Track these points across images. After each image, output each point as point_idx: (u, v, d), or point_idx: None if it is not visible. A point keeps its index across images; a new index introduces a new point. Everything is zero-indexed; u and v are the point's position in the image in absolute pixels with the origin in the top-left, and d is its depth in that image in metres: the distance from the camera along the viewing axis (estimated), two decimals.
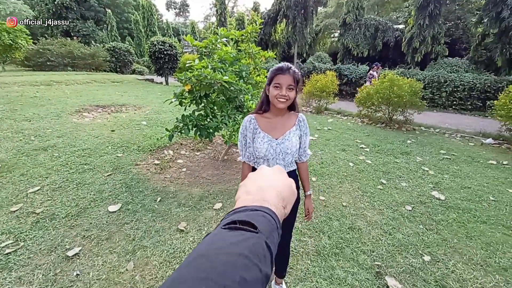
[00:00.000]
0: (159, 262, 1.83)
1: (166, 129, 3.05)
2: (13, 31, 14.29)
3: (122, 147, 3.83)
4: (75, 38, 22.74)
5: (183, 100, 3.15)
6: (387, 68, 10.95)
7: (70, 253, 1.84)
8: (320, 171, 3.55)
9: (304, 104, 8.53)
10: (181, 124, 3.02)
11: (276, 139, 1.28)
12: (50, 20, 25.65)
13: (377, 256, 2.02)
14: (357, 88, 6.99)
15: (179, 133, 3.10)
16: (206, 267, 0.25)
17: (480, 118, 8.14)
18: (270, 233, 0.32)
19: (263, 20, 16.72)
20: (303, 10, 15.09)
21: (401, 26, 16.23)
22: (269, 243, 0.31)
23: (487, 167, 4.00)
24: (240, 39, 3.40)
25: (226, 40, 3.47)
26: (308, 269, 1.86)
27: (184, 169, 3.40)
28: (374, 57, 15.86)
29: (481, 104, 8.77)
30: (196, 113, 3.16)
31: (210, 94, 3.11)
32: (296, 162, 1.41)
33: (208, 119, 3.18)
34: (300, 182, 1.46)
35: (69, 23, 27.47)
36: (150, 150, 3.82)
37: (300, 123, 1.34)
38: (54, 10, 27.22)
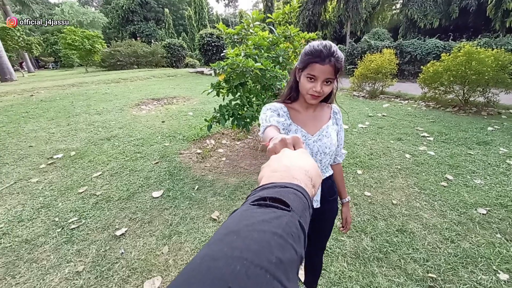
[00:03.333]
0: (191, 248, 1.90)
1: (205, 119, 3.13)
2: (92, 37, 16.71)
3: (169, 137, 4.12)
4: (138, 38, 25.44)
5: (221, 90, 3.17)
6: (464, 40, 9.04)
7: (118, 233, 2.06)
8: (368, 163, 3.17)
9: (356, 88, 7.75)
10: (218, 114, 3.05)
11: (312, 135, 1.02)
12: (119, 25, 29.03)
13: (432, 267, 1.69)
14: (422, 67, 5.95)
15: (217, 124, 3.15)
16: (238, 244, 0.23)
17: None
18: (302, 212, 0.30)
19: None
20: None
21: None
22: (302, 223, 0.29)
23: None
24: (277, 22, 3.19)
25: (271, 25, 3.32)
26: (343, 272, 1.68)
27: (224, 158, 3.46)
28: (447, 27, 13.31)
29: None
30: (233, 103, 3.14)
31: (246, 83, 3.04)
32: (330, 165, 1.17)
33: (245, 108, 3.14)
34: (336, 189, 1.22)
35: (134, 25, 30.82)
36: (194, 139, 4.01)
37: (336, 116, 1.10)
38: (123, 15, 30.83)
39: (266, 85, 2.87)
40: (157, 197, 2.54)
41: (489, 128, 4.17)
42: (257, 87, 3.03)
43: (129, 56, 16.53)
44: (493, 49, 5.31)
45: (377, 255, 1.81)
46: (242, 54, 2.65)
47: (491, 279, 1.60)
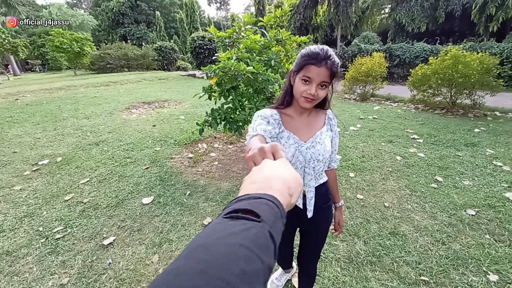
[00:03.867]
0: None
1: (197, 123, 3.09)
2: (80, 40, 16.41)
3: (160, 141, 4.05)
4: (129, 41, 25.13)
5: (213, 94, 3.14)
6: (450, 44, 9.29)
7: (106, 242, 1.99)
8: (360, 165, 3.19)
9: (347, 91, 7.85)
10: (210, 118, 3.01)
11: (305, 142, 0.99)
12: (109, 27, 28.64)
13: (424, 270, 1.70)
14: (410, 70, 6.08)
15: (209, 127, 3.11)
16: (204, 258, 0.24)
17: None
18: (273, 222, 0.31)
19: (295, 1, 15.75)
20: None
21: None
22: (272, 233, 0.30)
23: None
24: (269, 25, 3.19)
25: (263, 28, 3.31)
26: (337, 277, 1.67)
27: (216, 163, 3.42)
28: (434, 31, 13.70)
29: None
30: (225, 106, 3.11)
31: (238, 86, 3.02)
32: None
33: (238, 112, 3.11)
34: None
35: (125, 27, 30.47)
36: (185, 143, 3.95)
37: (330, 122, 1.06)
38: (113, 17, 30.46)
39: (258, 89, 2.86)
40: (147, 204, 2.48)
41: (476, 130, 4.28)
42: (249, 90, 3.01)
43: (119, 59, 16.31)
44: (478, 52, 5.47)
45: (370, 259, 1.80)
46: (234, 57, 2.64)
47: (482, 281, 1.61)
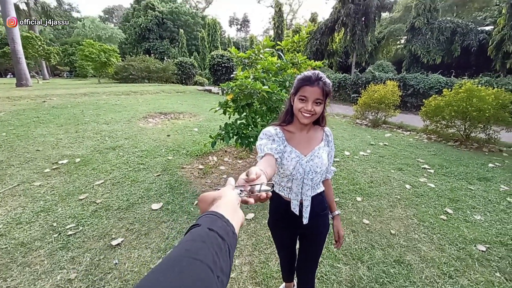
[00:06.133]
0: None
1: (210, 136, 3.21)
2: (108, 51, 17.52)
3: (173, 150, 4.19)
4: (152, 54, 26.55)
5: (228, 109, 3.29)
6: (466, 77, 9.32)
7: (114, 242, 2.05)
8: (368, 191, 3.18)
9: (359, 116, 7.91)
10: (223, 132, 3.14)
11: (305, 155, 1.11)
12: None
13: None
14: (424, 100, 6.12)
15: (221, 141, 3.23)
16: (156, 270, 0.31)
17: None
18: (211, 223, 0.42)
19: (312, 29, 16.39)
20: (364, 17, 14.25)
21: (487, 28, 13.74)
22: (212, 228, 0.40)
23: None
24: (286, 49, 3.38)
25: (280, 50, 3.51)
26: None
27: (225, 176, 3.49)
28: (449, 64, 13.79)
29: None
30: (238, 122, 3.24)
31: (253, 104, 3.16)
32: None
33: (250, 128, 3.23)
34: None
35: (149, 42, 32.31)
36: (197, 155, 4.08)
37: (327, 138, 1.19)
38: (140, 32, 32.49)
39: (272, 107, 2.99)
40: (156, 210, 2.55)
41: (490, 165, 4.19)
42: (263, 108, 3.14)
43: (142, 70, 17.19)
44: (493, 88, 5.48)
45: (373, 285, 1.77)
46: (251, 76, 2.80)
47: None
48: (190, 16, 37.43)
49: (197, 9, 48.75)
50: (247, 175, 0.61)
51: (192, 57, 29.10)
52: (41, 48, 19.97)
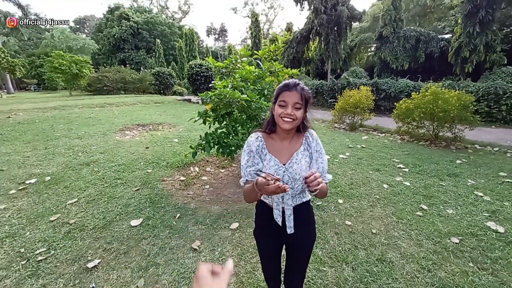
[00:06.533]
0: (169, 281, 1.80)
1: (191, 146, 3.16)
2: (80, 62, 16.84)
3: (152, 163, 4.06)
4: (128, 65, 25.85)
5: (207, 119, 3.27)
6: (431, 81, 10.03)
7: (90, 265, 1.92)
8: (349, 192, 3.27)
9: (337, 120, 8.19)
10: (204, 142, 3.10)
11: (284, 164, 1.10)
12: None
13: None
14: (395, 103, 6.49)
15: (202, 151, 3.18)
16: None
17: None
18: None
19: (288, 38, 16.98)
20: (336, 27, 14.97)
21: (447, 36, 14.98)
22: None
23: None
24: (264, 58, 3.45)
25: (259, 59, 3.57)
26: None
27: (207, 186, 3.43)
28: (416, 69, 14.79)
29: None
30: (219, 131, 3.23)
31: (232, 113, 3.17)
32: None
33: (231, 137, 3.22)
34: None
35: (125, 53, 31.49)
36: (178, 166, 3.98)
37: (308, 140, 1.15)
38: (114, 43, 31.58)
39: (252, 115, 3.01)
40: (136, 226, 2.44)
41: (458, 161, 4.49)
42: (243, 116, 3.16)
43: (117, 81, 16.66)
44: (456, 90, 5.94)
45: (358, 285, 1.81)
46: (230, 86, 2.81)
47: None
48: (167, 26, 37.09)
49: (173, 19, 48.46)
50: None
51: (170, 67, 28.70)
52: (5, 60, 18.75)
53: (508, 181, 3.62)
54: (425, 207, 2.92)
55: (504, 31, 13.12)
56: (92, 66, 18.57)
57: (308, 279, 1.86)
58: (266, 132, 1.17)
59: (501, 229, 2.48)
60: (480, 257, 2.11)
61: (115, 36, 31.11)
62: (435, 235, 2.40)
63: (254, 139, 1.14)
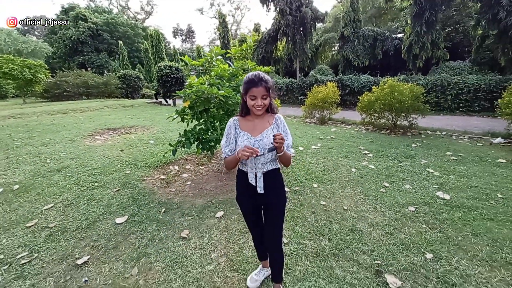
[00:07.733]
0: (162, 267, 1.90)
1: (170, 144, 3.23)
2: (34, 67, 15.47)
3: (130, 164, 4.02)
4: (89, 69, 24.27)
5: (185, 116, 3.35)
6: (388, 76, 11.03)
7: (79, 262, 1.94)
8: (322, 177, 3.58)
9: (308, 115, 8.65)
10: (183, 139, 3.19)
11: (255, 137, 1.38)
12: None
13: (377, 256, 2.01)
14: (359, 97, 7.08)
15: (182, 148, 3.26)
16: None
17: (490, 119, 7.98)
18: None
19: (257, 38, 17.40)
20: (301, 27, 15.65)
21: (400, 35, 16.47)
22: None
23: (496, 165, 3.91)
24: (235, 56, 3.62)
25: (228, 59, 3.72)
26: (306, 269, 1.88)
27: (189, 182, 3.51)
28: (375, 66, 16.03)
29: (489, 105, 8.63)
30: (197, 128, 3.33)
31: (210, 109, 3.29)
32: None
33: (209, 133, 3.35)
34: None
35: (84, 56, 29.41)
36: (157, 166, 3.99)
37: (277, 121, 1.44)
38: (71, 45, 29.33)
39: (229, 111, 3.16)
40: (122, 223, 2.46)
41: (413, 145, 5.09)
42: (220, 112, 3.30)
43: (78, 86, 15.62)
44: (409, 83, 6.66)
45: (334, 251, 2.07)
46: (207, 83, 2.94)
47: (421, 259, 1.97)
48: (130, 27, 35.43)
49: (136, 20, 46.36)
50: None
51: (136, 69, 27.49)
52: None
53: (453, 159, 4.22)
54: (387, 184, 3.33)
55: (446, 30, 14.82)
56: (48, 71, 17.14)
57: (291, 251, 2.08)
58: (242, 116, 1.46)
59: (447, 197, 2.94)
60: (431, 220, 2.51)
61: (72, 38, 28.90)
62: (396, 206, 2.78)
63: (232, 122, 1.45)
